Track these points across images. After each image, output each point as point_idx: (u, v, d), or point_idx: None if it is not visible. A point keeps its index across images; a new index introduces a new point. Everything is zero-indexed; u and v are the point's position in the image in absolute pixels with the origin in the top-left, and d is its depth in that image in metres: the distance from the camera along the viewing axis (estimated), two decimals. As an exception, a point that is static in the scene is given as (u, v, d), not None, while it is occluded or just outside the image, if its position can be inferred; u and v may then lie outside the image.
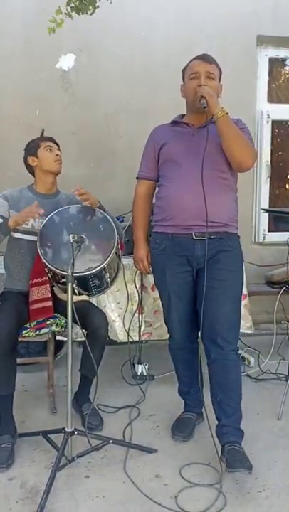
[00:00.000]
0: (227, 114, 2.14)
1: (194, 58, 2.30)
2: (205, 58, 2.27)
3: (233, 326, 2.24)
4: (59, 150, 2.60)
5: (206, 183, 2.12)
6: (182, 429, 2.40)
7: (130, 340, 2.99)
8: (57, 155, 2.56)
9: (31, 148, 2.57)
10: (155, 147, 2.35)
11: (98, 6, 2.54)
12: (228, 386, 2.19)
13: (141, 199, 2.45)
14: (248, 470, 2.00)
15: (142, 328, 3.02)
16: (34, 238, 2.40)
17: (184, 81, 2.33)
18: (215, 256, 2.21)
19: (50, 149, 2.55)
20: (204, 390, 2.32)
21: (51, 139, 2.60)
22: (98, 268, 2.21)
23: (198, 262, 2.24)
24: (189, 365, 2.46)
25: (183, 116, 2.39)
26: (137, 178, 2.47)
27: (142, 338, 3.02)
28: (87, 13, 2.55)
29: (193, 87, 2.22)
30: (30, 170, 2.60)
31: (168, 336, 3.04)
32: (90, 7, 2.53)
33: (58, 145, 2.62)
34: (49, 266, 2.23)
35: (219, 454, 2.12)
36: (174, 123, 2.36)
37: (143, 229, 2.47)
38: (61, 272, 2.19)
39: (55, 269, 2.22)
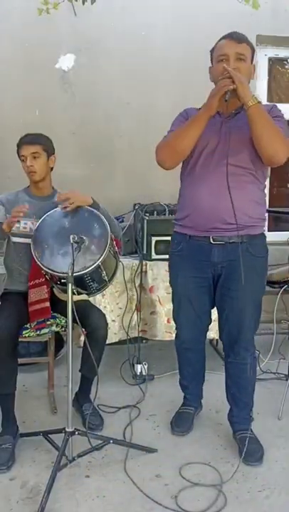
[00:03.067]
0: (259, 102, 1.93)
1: (222, 37, 2.06)
2: (234, 37, 2.03)
3: (253, 333, 2.24)
4: (36, 153, 2.43)
5: (231, 181, 1.96)
6: (181, 423, 2.43)
7: (128, 337, 2.99)
8: (27, 166, 2.44)
9: (18, 156, 2.51)
10: None
11: None
12: (242, 384, 2.28)
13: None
14: (260, 461, 2.17)
15: (140, 326, 3.03)
16: None
17: (212, 63, 2.11)
18: (234, 264, 2.06)
19: (23, 159, 2.46)
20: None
21: (27, 142, 2.44)
22: (93, 267, 2.19)
23: (214, 269, 2.16)
24: (192, 363, 2.46)
25: None
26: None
27: (139, 335, 3.03)
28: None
29: (221, 71, 1.98)
30: None
31: (161, 336, 3.06)
32: None
33: (37, 143, 2.44)
34: (44, 268, 2.21)
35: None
36: None
37: None
38: (57, 274, 2.18)
39: (51, 271, 2.19)
